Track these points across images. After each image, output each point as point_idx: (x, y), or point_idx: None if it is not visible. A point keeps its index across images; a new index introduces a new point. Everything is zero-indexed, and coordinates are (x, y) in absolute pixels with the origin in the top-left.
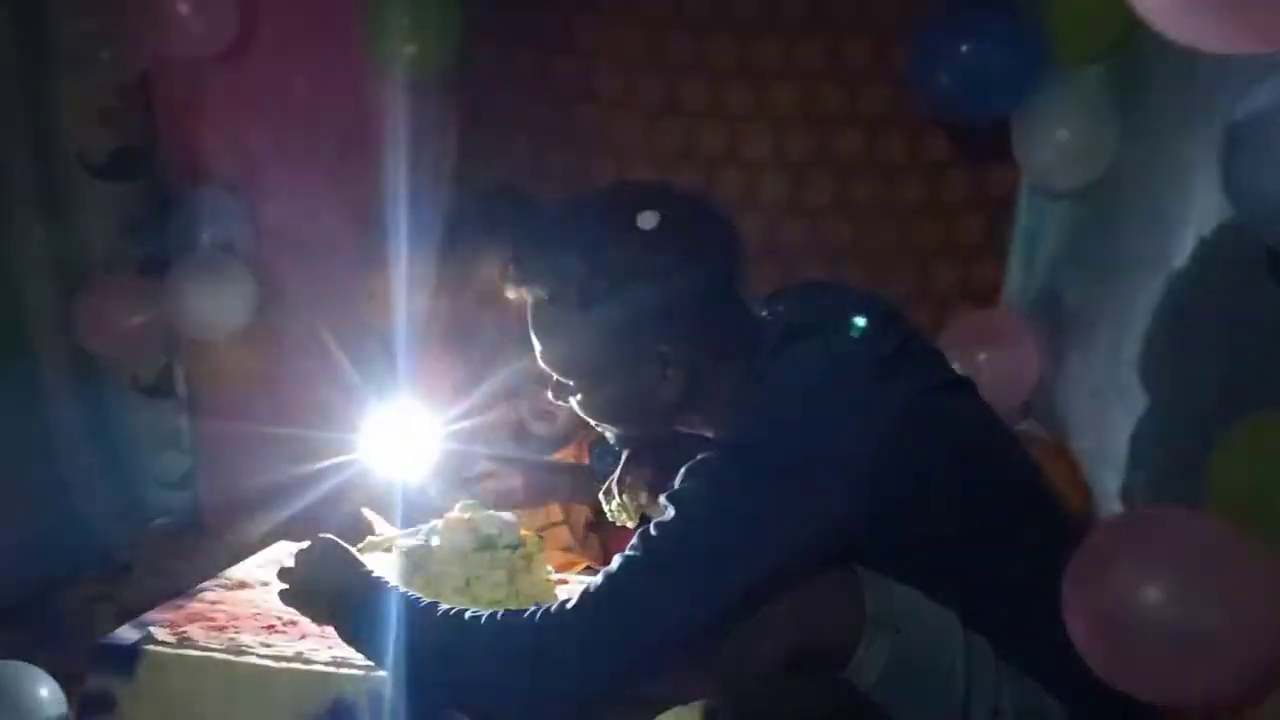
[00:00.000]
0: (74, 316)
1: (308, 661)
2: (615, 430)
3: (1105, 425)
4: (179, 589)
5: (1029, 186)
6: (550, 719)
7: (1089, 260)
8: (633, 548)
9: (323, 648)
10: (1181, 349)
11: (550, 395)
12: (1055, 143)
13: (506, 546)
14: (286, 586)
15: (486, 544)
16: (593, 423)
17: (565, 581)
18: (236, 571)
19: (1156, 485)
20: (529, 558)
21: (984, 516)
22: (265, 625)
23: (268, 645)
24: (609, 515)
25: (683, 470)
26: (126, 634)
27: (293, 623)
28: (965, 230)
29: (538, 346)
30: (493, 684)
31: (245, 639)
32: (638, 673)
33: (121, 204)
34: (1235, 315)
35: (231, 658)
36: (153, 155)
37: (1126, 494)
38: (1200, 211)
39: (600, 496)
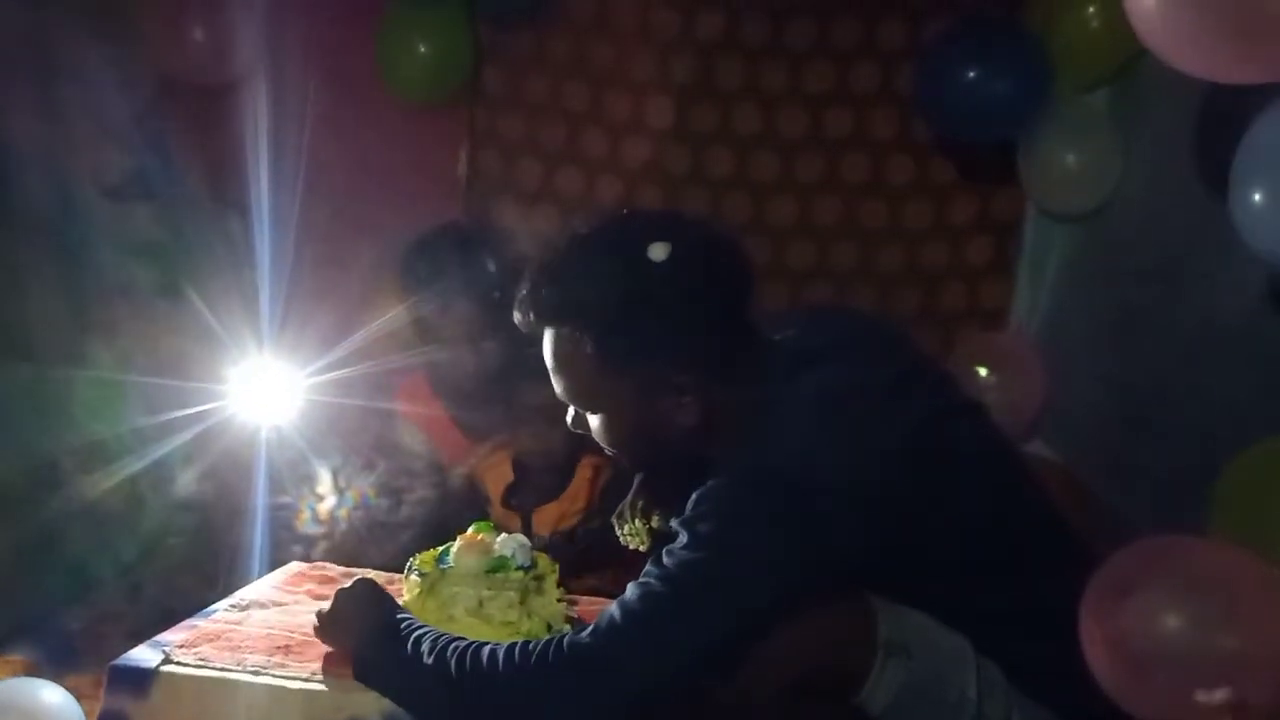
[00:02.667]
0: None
1: (322, 682)
2: (632, 458)
3: (1113, 447)
4: (190, 609)
5: (1035, 209)
6: None
7: (1096, 282)
8: (648, 576)
9: (337, 668)
10: (1190, 372)
11: (569, 423)
12: (1061, 166)
13: (519, 568)
14: (322, 624)
15: (499, 565)
16: (610, 450)
17: (575, 602)
18: (249, 592)
19: (1164, 508)
20: (540, 578)
21: (995, 542)
22: (279, 646)
23: (282, 665)
24: (621, 539)
25: (694, 496)
26: (142, 654)
27: (306, 643)
28: (972, 252)
29: (554, 377)
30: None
31: (259, 659)
32: (657, 702)
33: (135, 226)
34: (1244, 339)
35: (246, 678)
36: (167, 177)
37: (1134, 517)
38: (1207, 236)
39: (613, 520)
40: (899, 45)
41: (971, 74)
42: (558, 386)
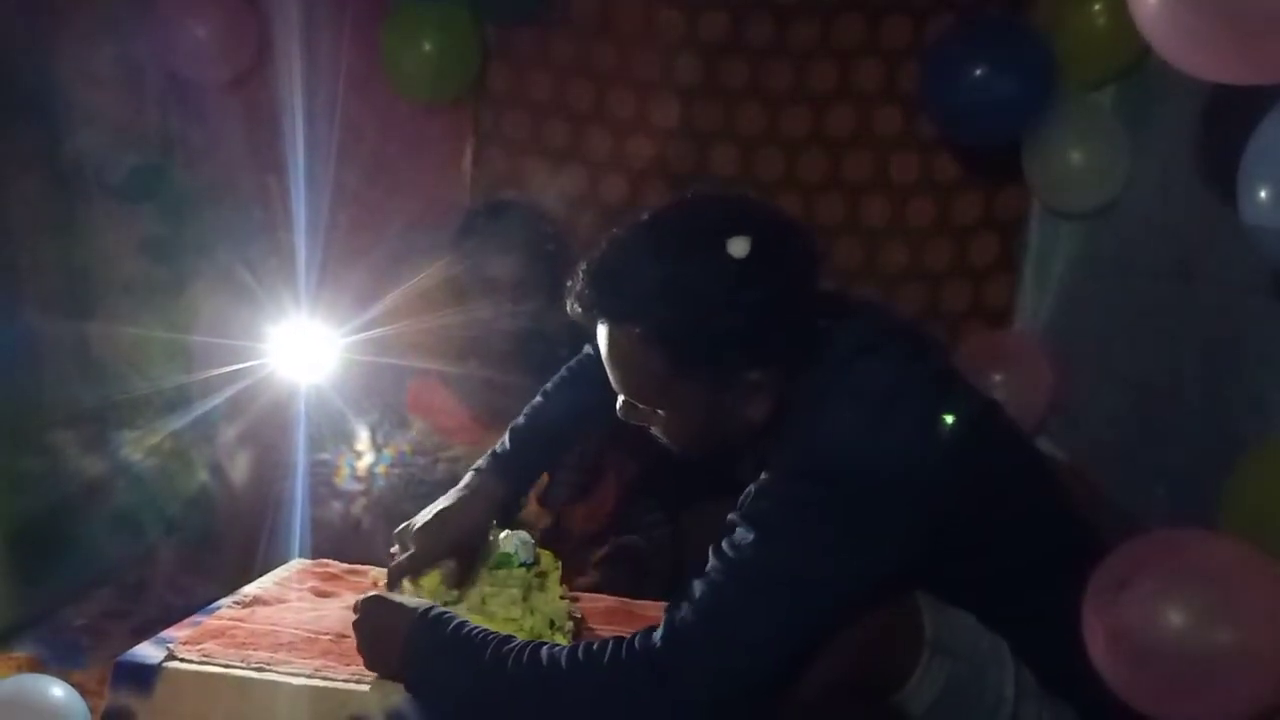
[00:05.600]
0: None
1: (326, 678)
2: (693, 452)
3: (1124, 446)
4: (193, 605)
5: (1040, 207)
6: None
7: (1102, 281)
8: (716, 572)
9: (340, 665)
10: (1204, 371)
11: (620, 414)
12: (1066, 164)
13: (521, 564)
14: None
15: (502, 562)
16: (668, 443)
17: (578, 599)
18: (252, 588)
19: (1177, 507)
20: (543, 575)
21: (1032, 543)
22: (283, 642)
23: (286, 662)
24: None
25: (753, 489)
26: (146, 651)
27: (310, 639)
28: (977, 251)
29: (614, 373)
30: None
31: (263, 656)
32: (733, 701)
33: (139, 223)
34: (1257, 337)
35: (250, 675)
36: (170, 174)
37: (1142, 515)
38: (1219, 234)
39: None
40: (903, 44)
41: (976, 72)
42: (618, 382)
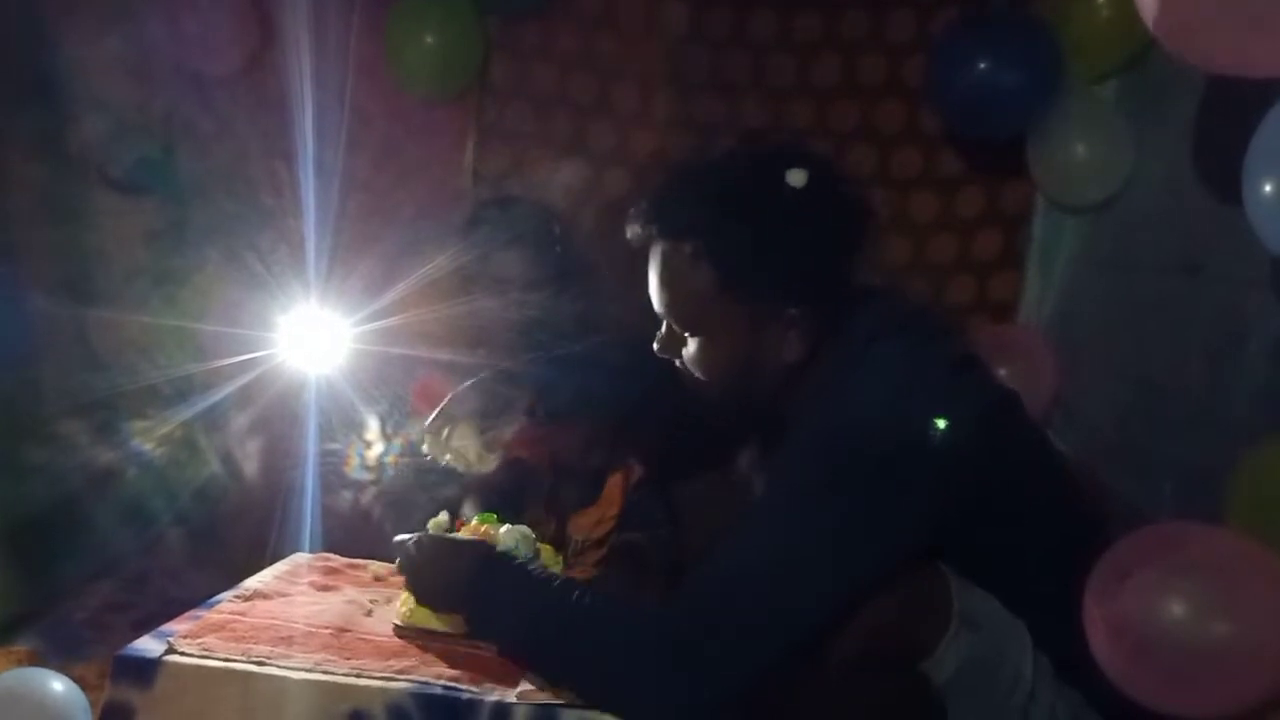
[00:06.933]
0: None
1: (327, 672)
2: (722, 387)
3: (1129, 441)
4: (198, 598)
5: (1045, 201)
6: (675, 714)
7: (1107, 275)
8: (749, 529)
9: (341, 659)
10: (1210, 366)
11: (656, 347)
12: (1070, 159)
13: (522, 559)
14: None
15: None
16: (699, 375)
17: None
18: (253, 582)
19: (1179, 502)
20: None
21: (1048, 528)
22: (283, 636)
23: (286, 656)
24: (432, 454)
25: (785, 450)
26: (146, 644)
27: (310, 633)
28: (981, 245)
29: (661, 293)
30: (622, 678)
31: (263, 650)
32: (763, 662)
33: (147, 211)
34: (1265, 332)
35: (250, 669)
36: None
37: (1147, 511)
38: (1225, 228)
39: (429, 432)
40: (907, 37)
41: (980, 65)
42: (661, 303)
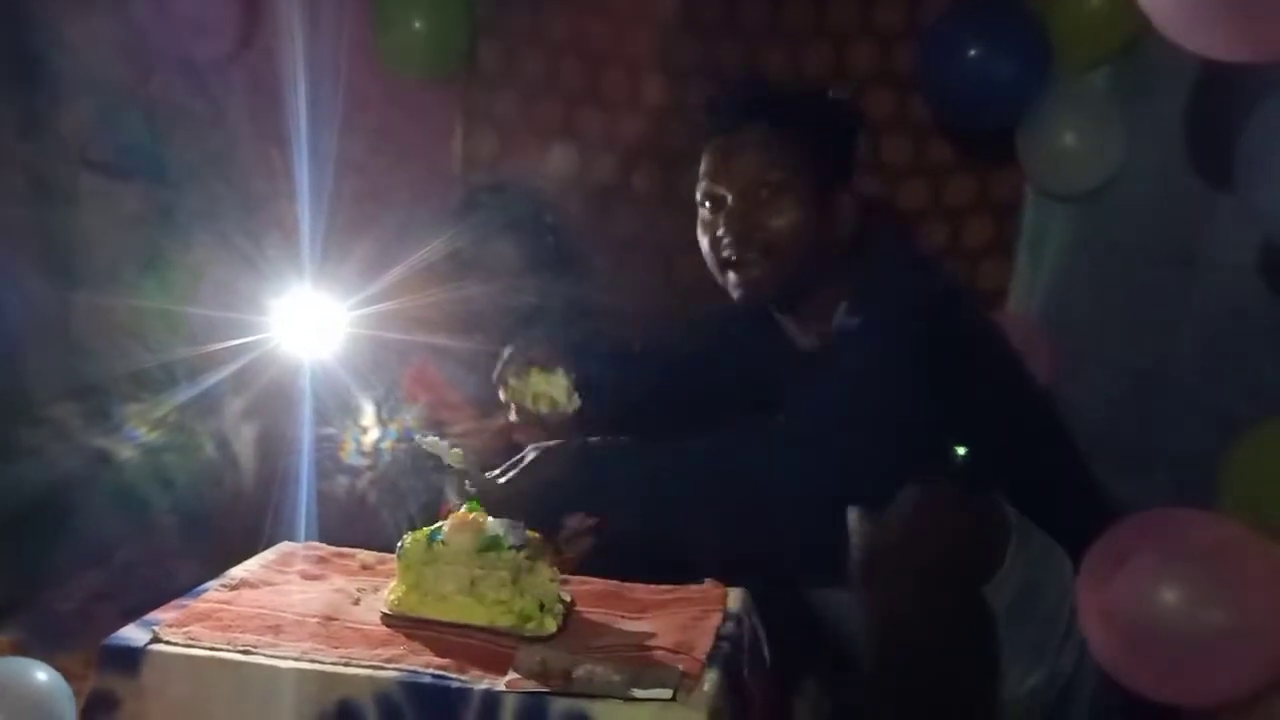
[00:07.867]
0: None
1: (314, 661)
2: (792, 249)
3: (1117, 429)
4: (187, 587)
5: (1034, 190)
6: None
7: (1097, 263)
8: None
9: (328, 648)
10: (1202, 354)
11: (735, 224)
12: (1061, 147)
13: (511, 547)
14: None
15: (491, 544)
16: (770, 244)
17: (567, 582)
18: (239, 571)
19: (1171, 490)
20: (533, 558)
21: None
22: (270, 625)
23: (273, 645)
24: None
25: (842, 321)
26: (131, 633)
27: (298, 622)
28: (971, 234)
29: (755, 165)
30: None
31: (250, 639)
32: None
33: (139, 194)
34: (1257, 320)
35: (237, 657)
36: (157, 153)
37: (1140, 499)
38: (1217, 216)
39: (509, 377)
40: (897, 26)
41: (970, 54)
42: (757, 171)
